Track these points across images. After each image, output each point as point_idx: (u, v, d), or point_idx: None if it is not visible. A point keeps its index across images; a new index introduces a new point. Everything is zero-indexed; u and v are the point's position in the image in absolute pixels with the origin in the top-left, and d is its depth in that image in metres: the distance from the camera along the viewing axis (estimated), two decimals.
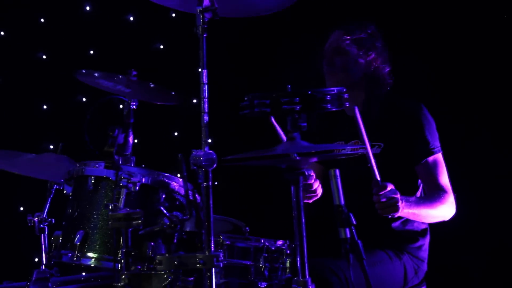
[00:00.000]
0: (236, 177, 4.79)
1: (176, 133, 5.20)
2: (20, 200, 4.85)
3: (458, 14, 4.15)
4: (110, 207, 2.30)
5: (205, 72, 2.27)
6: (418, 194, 3.14)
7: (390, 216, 2.81)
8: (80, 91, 4.97)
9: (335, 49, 3.13)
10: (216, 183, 5.13)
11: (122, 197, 2.46)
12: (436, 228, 3.19)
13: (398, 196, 2.79)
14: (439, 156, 3.08)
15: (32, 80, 4.93)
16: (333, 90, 2.23)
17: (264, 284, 2.61)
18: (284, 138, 2.95)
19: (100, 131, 2.58)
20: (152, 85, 3.19)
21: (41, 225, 3.08)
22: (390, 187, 2.79)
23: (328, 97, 2.22)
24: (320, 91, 2.23)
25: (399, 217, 3.01)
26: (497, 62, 4.11)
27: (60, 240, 2.64)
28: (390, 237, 3.05)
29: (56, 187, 3.08)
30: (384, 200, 2.76)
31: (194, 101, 5.14)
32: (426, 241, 3.13)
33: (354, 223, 2.26)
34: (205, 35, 2.29)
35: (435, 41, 4.24)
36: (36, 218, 3.08)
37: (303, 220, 2.28)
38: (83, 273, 3.30)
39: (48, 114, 5.00)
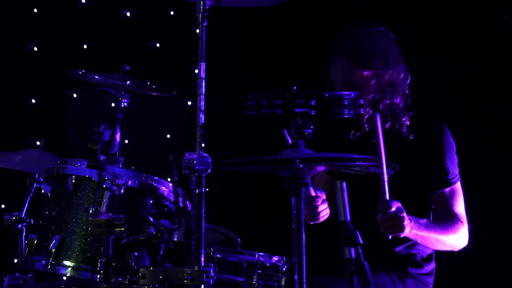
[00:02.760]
0: (230, 183, 4.59)
1: (168, 136, 5.02)
2: (2, 197, 4.62)
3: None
4: (91, 211, 2.07)
5: (203, 65, 2.06)
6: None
7: (392, 237, 2.61)
8: (71, 86, 4.78)
9: (344, 84, 2.82)
10: (207, 189, 4.96)
11: (105, 200, 2.23)
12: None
13: (405, 215, 2.60)
14: (457, 185, 2.88)
15: (21, 72, 4.75)
16: (350, 94, 2.02)
17: None
18: None
19: (86, 126, 2.35)
20: (145, 82, 3.01)
21: (19, 226, 2.83)
22: (396, 205, 2.59)
23: (346, 102, 2.01)
24: (337, 94, 2.01)
25: (404, 241, 2.82)
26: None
27: (35, 245, 2.40)
28: (394, 260, 2.86)
29: (36, 185, 2.84)
30: (388, 218, 2.56)
31: (189, 103, 4.97)
32: (431, 267, 2.94)
33: (361, 242, 2.05)
34: (205, 23, 2.08)
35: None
36: (14, 217, 2.83)
37: (304, 235, 2.07)
38: (62, 279, 3.06)
39: (36, 109, 4.80)
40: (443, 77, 4.01)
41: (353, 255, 2.05)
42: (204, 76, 2.05)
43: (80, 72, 2.95)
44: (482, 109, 3.99)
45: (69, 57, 4.74)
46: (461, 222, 2.85)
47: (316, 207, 2.67)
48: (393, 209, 2.57)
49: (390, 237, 2.61)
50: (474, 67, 4.00)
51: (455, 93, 4.02)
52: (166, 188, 2.41)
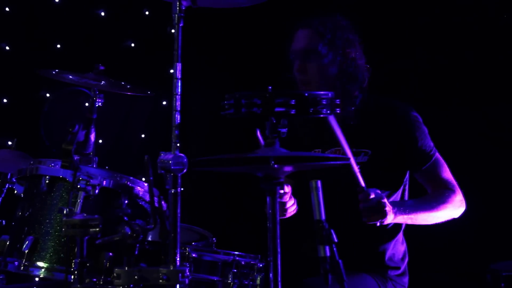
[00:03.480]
0: (203, 182, 4.59)
1: (143, 135, 5.00)
2: None
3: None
4: (65, 212, 2.04)
5: (179, 66, 2.06)
6: (406, 194, 2.97)
7: (378, 224, 2.63)
8: (44, 85, 4.73)
9: (304, 52, 2.82)
10: (182, 188, 4.95)
11: (79, 201, 2.21)
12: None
13: (385, 201, 2.62)
14: (437, 156, 2.88)
15: None
16: (328, 94, 2.03)
17: None
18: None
19: (60, 127, 2.33)
20: (120, 82, 2.99)
21: None
22: (375, 192, 2.62)
23: (324, 101, 2.02)
24: (316, 94, 2.03)
25: (386, 239, 2.85)
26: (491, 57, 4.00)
27: (7, 246, 2.37)
28: (375, 264, 2.86)
29: (8, 185, 2.80)
30: (369, 206, 2.59)
31: (164, 103, 4.95)
32: (404, 265, 2.95)
33: (335, 240, 2.06)
34: (181, 24, 2.07)
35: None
36: None
37: (278, 233, 2.08)
38: (35, 281, 3.02)
39: (8, 108, 4.74)
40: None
41: (328, 254, 2.06)
42: (180, 77, 2.05)
43: (54, 72, 2.92)
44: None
45: (42, 56, 4.70)
46: (452, 190, 2.84)
47: (284, 203, 2.68)
48: (372, 195, 2.59)
49: (378, 224, 2.63)
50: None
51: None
52: (141, 188, 2.40)
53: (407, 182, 2.96)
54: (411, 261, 3.91)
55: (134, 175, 2.53)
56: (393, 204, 2.68)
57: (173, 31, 5.39)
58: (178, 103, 2.03)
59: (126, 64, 4.75)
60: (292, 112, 2.03)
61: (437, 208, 2.80)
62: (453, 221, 3.93)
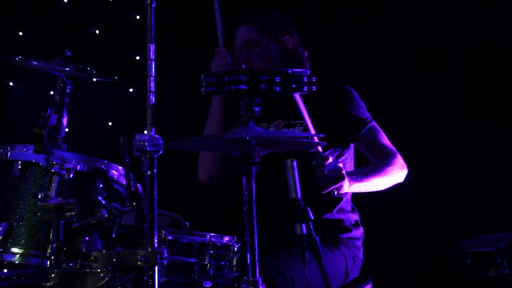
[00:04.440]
0: (172, 164, 4.57)
1: (110, 123, 4.95)
2: None
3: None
4: (40, 196, 2.01)
5: (152, 47, 2.04)
6: (349, 165, 3.08)
7: (336, 194, 2.74)
8: (8, 73, 4.64)
9: (247, 43, 3.03)
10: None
11: (54, 185, 2.18)
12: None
13: (341, 165, 2.73)
14: (374, 124, 3.02)
15: None
16: (307, 72, 2.09)
17: (209, 284, 2.41)
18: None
19: (31, 111, 2.29)
20: (86, 68, 2.95)
21: None
22: (331, 158, 2.73)
23: (305, 79, 2.07)
24: (299, 71, 2.08)
25: (331, 207, 2.94)
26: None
27: None
28: (324, 229, 2.90)
29: None
30: (327, 171, 2.68)
31: (131, 90, 4.91)
32: (359, 231, 3.04)
33: (312, 218, 2.08)
34: (153, 4, 2.06)
35: None
36: None
37: (255, 214, 2.09)
38: (5, 270, 2.98)
39: None
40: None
41: (305, 231, 2.09)
42: (153, 58, 2.03)
43: (17, 58, 2.87)
44: None
45: (5, 44, 4.61)
46: (392, 154, 2.99)
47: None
48: (330, 160, 2.70)
49: (335, 194, 2.72)
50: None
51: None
52: (115, 171, 2.37)
53: (352, 158, 3.08)
54: (377, 242, 3.98)
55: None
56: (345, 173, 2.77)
57: (137, 17, 5.31)
58: (153, 84, 2.02)
59: (90, 51, 4.69)
60: (277, 89, 2.06)
61: (384, 172, 2.93)
62: (419, 200, 4.04)
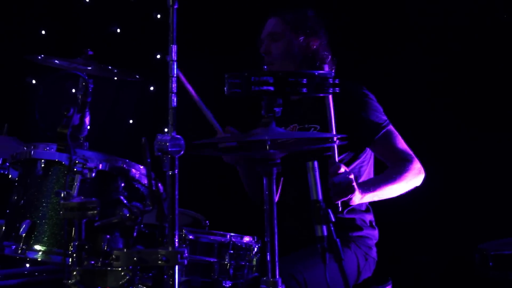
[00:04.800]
0: (195, 164, 4.59)
1: (131, 121, 4.98)
2: None
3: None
4: (62, 195, 2.03)
5: (174, 48, 2.04)
6: (365, 169, 3.03)
7: (347, 199, 2.69)
8: (31, 71, 4.69)
9: (270, 36, 3.00)
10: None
11: (76, 184, 2.20)
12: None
13: (352, 177, 2.69)
14: (390, 128, 2.95)
15: None
16: (331, 74, 2.10)
17: (229, 283, 2.42)
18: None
19: (54, 110, 2.31)
20: (108, 67, 2.97)
21: None
22: (344, 168, 2.70)
23: (330, 81, 2.07)
24: (324, 73, 2.09)
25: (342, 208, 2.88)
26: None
27: (3, 230, 2.35)
28: (335, 228, 2.88)
29: (1, 171, 2.77)
30: (339, 180, 2.65)
31: (152, 88, 4.93)
32: (372, 232, 2.99)
33: (333, 220, 2.08)
34: (175, 6, 2.06)
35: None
36: None
37: (275, 214, 2.09)
38: (27, 266, 3.01)
39: None
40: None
41: (325, 233, 2.08)
42: (175, 59, 2.04)
43: (40, 57, 2.90)
44: None
45: (28, 42, 4.66)
46: (408, 160, 2.90)
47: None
48: (343, 169, 2.67)
49: (340, 209, 2.69)
50: None
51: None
52: (137, 170, 2.38)
53: (368, 162, 3.02)
54: (398, 245, 3.95)
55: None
56: (357, 185, 2.72)
57: (158, 16, 5.33)
58: (174, 85, 2.02)
59: (112, 50, 4.72)
60: (303, 91, 2.06)
61: (398, 179, 2.86)
62: (438, 201, 4.01)
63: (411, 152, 2.94)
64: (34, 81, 4.75)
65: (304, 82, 2.05)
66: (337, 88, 2.11)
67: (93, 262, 2.12)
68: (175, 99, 2.02)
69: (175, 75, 2.01)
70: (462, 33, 3.99)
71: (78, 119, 2.29)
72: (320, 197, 2.11)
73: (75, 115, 2.19)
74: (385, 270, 3.04)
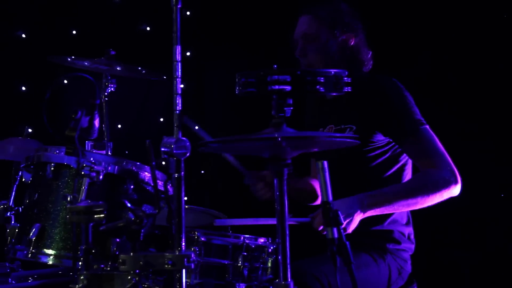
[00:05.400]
0: (223, 165, 4.58)
1: (162, 119, 5.01)
2: None
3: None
4: (69, 199, 2.03)
5: (178, 48, 2.02)
6: (407, 173, 2.86)
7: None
8: (61, 72, 4.74)
9: (304, 36, 2.85)
10: (202, 171, 4.98)
11: (84, 187, 2.20)
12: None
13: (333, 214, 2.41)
14: (426, 128, 2.70)
15: (11, 60, 4.71)
16: (345, 72, 2.02)
17: (242, 286, 2.38)
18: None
19: (63, 113, 2.32)
20: (135, 67, 2.98)
21: (7, 214, 2.80)
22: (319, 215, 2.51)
23: (345, 79, 2.00)
24: (339, 72, 2.00)
25: (381, 220, 2.78)
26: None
27: (16, 233, 2.37)
28: (372, 238, 2.80)
29: (21, 173, 2.81)
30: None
31: (182, 86, 4.93)
32: (409, 246, 2.87)
33: (342, 222, 2.02)
34: (179, 5, 2.03)
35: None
36: (2, 206, 2.79)
37: (286, 215, 2.04)
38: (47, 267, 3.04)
39: (27, 96, 4.77)
40: None
41: (336, 235, 2.03)
42: (180, 59, 2.01)
43: (69, 59, 2.92)
44: None
45: (58, 43, 4.71)
46: (437, 168, 2.62)
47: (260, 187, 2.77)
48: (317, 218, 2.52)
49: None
50: None
51: None
52: (147, 173, 2.37)
53: (407, 160, 2.84)
54: (432, 238, 3.85)
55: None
56: (360, 199, 2.57)
57: (188, 13, 5.33)
58: (179, 86, 2.00)
59: (142, 48, 4.75)
60: (321, 90, 1.98)
61: (416, 193, 2.61)
62: (474, 198, 3.91)
63: (444, 158, 2.65)
64: (65, 81, 4.82)
65: (322, 80, 1.98)
66: (348, 87, 2.03)
67: (103, 265, 2.12)
68: (180, 101, 1.99)
69: (179, 76, 1.98)
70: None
71: (87, 121, 2.28)
72: (330, 198, 2.06)
73: (83, 118, 2.18)
74: (419, 266, 2.95)
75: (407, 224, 2.87)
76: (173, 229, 1.95)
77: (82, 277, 1.95)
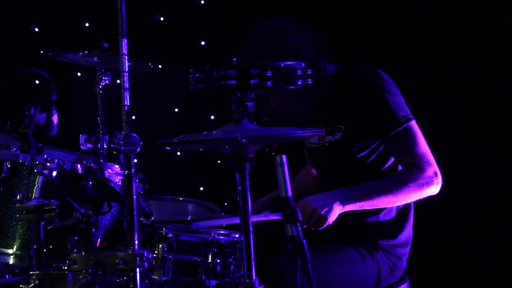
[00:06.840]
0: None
1: (176, 110, 4.98)
2: None
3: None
4: (18, 197, 2.00)
5: (124, 41, 1.95)
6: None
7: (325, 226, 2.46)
8: (74, 66, 4.77)
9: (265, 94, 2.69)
10: (219, 161, 4.94)
11: (37, 185, 2.16)
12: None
13: (314, 206, 2.44)
14: (412, 125, 2.58)
15: (25, 53, 4.75)
16: (301, 64, 1.93)
17: (213, 283, 2.31)
18: None
19: (16, 110, 2.28)
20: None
21: None
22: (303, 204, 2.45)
23: (299, 72, 1.91)
24: (292, 64, 1.91)
25: (376, 211, 2.67)
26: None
27: None
28: (365, 232, 2.69)
29: None
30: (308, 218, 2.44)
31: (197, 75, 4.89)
32: (405, 236, 2.74)
33: (300, 219, 1.93)
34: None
35: None
36: None
37: (250, 211, 1.96)
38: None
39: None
40: None
41: (294, 232, 1.94)
42: (126, 52, 1.94)
43: (51, 53, 2.90)
44: None
45: (71, 36, 4.73)
46: (419, 167, 2.54)
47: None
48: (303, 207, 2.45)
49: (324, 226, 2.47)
50: None
51: None
52: (110, 170, 2.32)
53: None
54: (445, 228, 3.71)
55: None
56: (340, 191, 2.49)
57: (202, 1, 5.26)
58: (126, 79, 1.93)
59: (155, 38, 4.73)
60: (268, 84, 1.90)
61: (397, 191, 2.52)
62: (482, 187, 3.78)
63: (427, 158, 2.56)
64: (79, 74, 4.83)
65: (269, 74, 1.89)
66: (309, 79, 1.93)
67: (62, 264, 2.07)
68: (128, 96, 1.93)
69: (126, 70, 1.92)
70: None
71: (45, 118, 2.24)
72: (290, 194, 1.97)
73: (40, 114, 2.14)
74: (435, 258, 2.85)
75: (406, 215, 2.74)
76: (146, 222, 1.90)
77: (34, 277, 1.92)
